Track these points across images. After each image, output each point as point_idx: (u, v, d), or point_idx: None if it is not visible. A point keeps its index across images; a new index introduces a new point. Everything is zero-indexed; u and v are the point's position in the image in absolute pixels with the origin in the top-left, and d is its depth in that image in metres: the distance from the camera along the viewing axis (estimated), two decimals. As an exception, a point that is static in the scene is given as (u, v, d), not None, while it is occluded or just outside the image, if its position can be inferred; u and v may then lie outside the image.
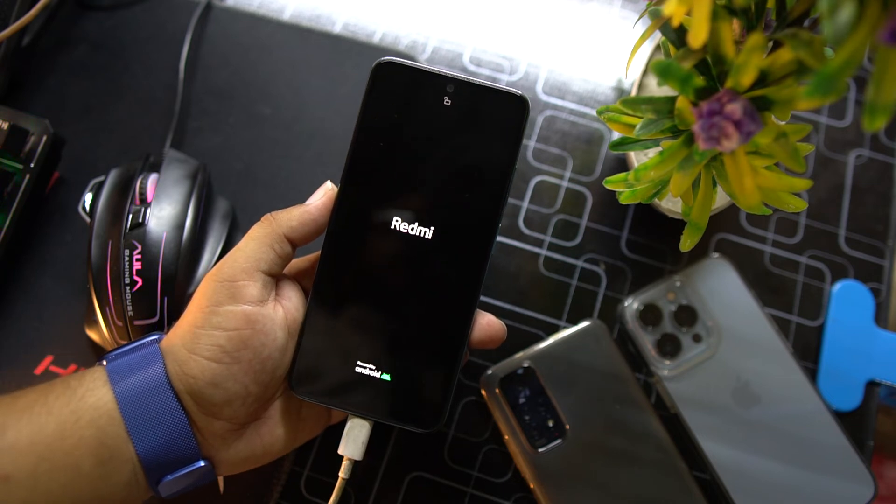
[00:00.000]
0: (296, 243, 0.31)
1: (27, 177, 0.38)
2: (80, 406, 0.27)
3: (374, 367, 0.31)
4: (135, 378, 0.28)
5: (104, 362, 0.29)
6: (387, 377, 0.31)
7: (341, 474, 0.32)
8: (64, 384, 0.28)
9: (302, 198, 0.41)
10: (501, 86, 0.31)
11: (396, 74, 0.31)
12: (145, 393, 0.27)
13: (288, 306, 0.30)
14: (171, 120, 0.42)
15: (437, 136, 0.31)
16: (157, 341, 0.29)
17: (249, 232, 0.31)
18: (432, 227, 0.31)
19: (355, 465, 0.32)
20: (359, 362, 0.31)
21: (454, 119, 0.31)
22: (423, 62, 0.44)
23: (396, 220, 0.31)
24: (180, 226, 0.35)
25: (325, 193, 0.32)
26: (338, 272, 0.31)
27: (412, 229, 0.31)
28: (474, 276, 0.31)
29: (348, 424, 0.32)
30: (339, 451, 0.31)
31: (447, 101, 0.31)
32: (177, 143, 0.42)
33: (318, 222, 0.31)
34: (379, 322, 0.31)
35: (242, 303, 0.28)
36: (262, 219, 0.31)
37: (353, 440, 0.31)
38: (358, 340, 0.31)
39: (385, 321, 0.31)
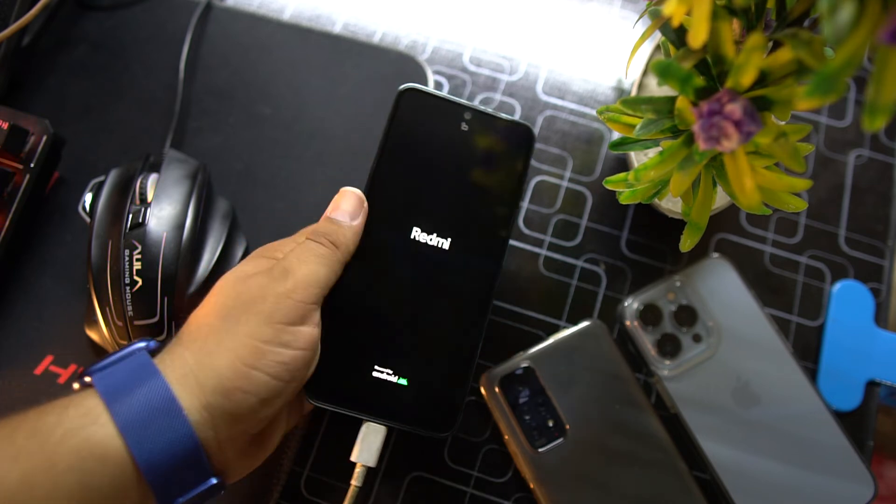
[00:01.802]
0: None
1: (27, 177, 0.38)
2: (61, 448, 0.23)
3: (391, 372, 0.32)
4: (142, 411, 0.25)
5: (94, 385, 0.26)
6: (404, 382, 0.32)
7: (354, 482, 0.31)
8: (40, 419, 0.24)
9: (302, 198, 0.41)
10: (511, 116, 0.35)
11: (419, 100, 0.34)
12: (156, 424, 0.25)
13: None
14: (171, 120, 0.42)
15: (454, 156, 0.34)
16: (150, 362, 0.27)
17: (314, 253, 0.30)
18: (449, 239, 0.33)
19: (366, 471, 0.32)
20: (376, 367, 0.32)
21: (470, 142, 0.34)
22: (422, 62, 0.44)
23: (416, 230, 0.33)
24: (180, 226, 0.35)
25: (362, 206, 0.32)
26: (358, 279, 0.32)
27: (430, 240, 0.33)
28: (487, 285, 0.33)
29: (362, 431, 0.32)
30: (353, 458, 0.31)
31: (464, 126, 0.34)
32: (177, 143, 0.42)
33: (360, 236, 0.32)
34: (397, 328, 0.32)
35: (312, 325, 0.29)
36: (322, 242, 0.31)
37: (368, 447, 0.31)
38: (376, 346, 0.32)
39: (403, 327, 0.32)
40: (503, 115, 0.35)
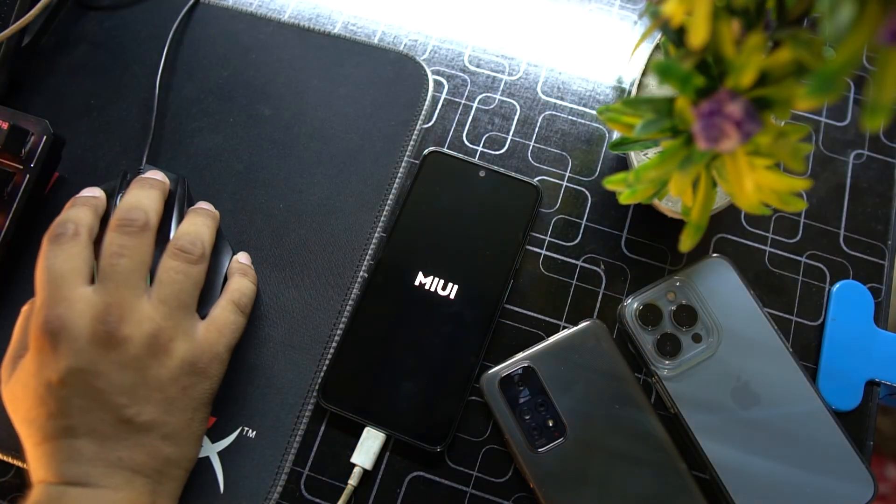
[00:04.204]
0: None
1: (27, 177, 0.38)
2: None
3: (393, 386, 0.36)
4: None
5: None
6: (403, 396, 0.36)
7: (351, 481, 0.35)
8: None
9: (302, 198, 0.41)
10: (521, 176, 0.40)
11: (441, 160, 0.41)
12: None
13: None
14: (168, 123, 0.42)
15: (468, 208, 0.40)
16: None
17: None
18: (457, 280, 0.38)
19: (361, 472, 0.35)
20: (381, 381, 0.36)
21: (484, 196, 0.40)
22: (422, 62, 0.44)
23: (429, 270, 0.38)
24: (163, 241, 0.34)
25: None
26: (377, 304, 0.38)
27: (440, 279, 0.38)
28: (487, 320, 0.37)
29: (363, 435, 0.35)
30: (352, 460, 0.35)
31: (479, 183, 0.40)
32: (175, 145, 0.42)
33: None
34: (404, 349, 0.37)
35: None
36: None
37: (366, 451, 0.35)
38: (384, 362, 0.37)
39: (409, 349, 0.37)
40: (514, 175, 0.40)
